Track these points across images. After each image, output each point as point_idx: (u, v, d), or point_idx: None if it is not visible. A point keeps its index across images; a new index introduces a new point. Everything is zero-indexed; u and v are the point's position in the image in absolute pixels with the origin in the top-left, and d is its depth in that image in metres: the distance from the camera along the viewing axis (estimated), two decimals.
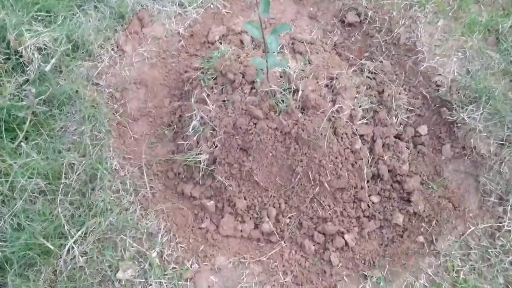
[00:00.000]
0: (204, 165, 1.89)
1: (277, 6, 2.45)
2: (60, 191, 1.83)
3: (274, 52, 1.56)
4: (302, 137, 1.74)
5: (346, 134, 1.83)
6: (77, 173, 1.92)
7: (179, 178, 2.03)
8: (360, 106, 1.92)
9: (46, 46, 2.13)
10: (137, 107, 2.23)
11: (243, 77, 1.94)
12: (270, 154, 1.80)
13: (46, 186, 1.83)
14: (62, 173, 1.88)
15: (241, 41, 2.25)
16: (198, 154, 1.89)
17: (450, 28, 2.19)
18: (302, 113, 1.78)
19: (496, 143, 1.88)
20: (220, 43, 2.30)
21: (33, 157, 1.84)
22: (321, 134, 1.74)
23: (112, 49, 2.30)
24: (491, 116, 1.92)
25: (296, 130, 1.74)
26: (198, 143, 1.92)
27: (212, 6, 2.43)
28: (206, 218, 1.91)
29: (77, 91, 2.11)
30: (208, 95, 1.98)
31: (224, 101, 1.94)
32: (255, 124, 1.80)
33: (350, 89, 1.91)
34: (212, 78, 2.07)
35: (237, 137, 1.82)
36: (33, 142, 1.94)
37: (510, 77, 2.02)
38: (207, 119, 1.88)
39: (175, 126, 2.16)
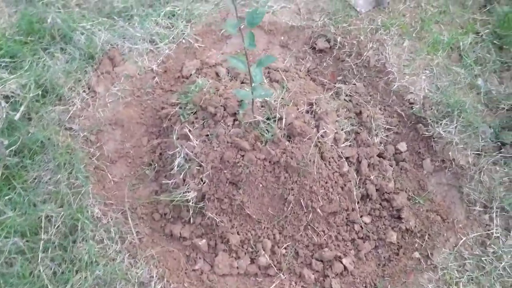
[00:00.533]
0: (192, 203, 1.83)
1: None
2: (40, 248, 1.71)
3: (258, 84, 1.57)
4: (292, 165, 1.73)
5: (332, 158, 1.84)
6: (56, 226, 1.80)
7: (166, 219, 1.95)
8: (342, 129, 1.95)
9: (14, 94, 2.03)
10: (114, 148, 2.15)
11: (224, 109, 1.93)
12: (261, 185, 1.78)
13: (25, 244, 1.70)
14: (41, 228, 1.76)
15: (217, 74, 2.25)
16: (186, 192, 1.83)
17: (416, 48, 2.31)
18: (288, 141, 1.79)
19: (473, 153, 1.96)
20: (197, 77, 2.29)
21: (8, 214, 1.72)
22: (310, 160, 1.75)
23: (84, 91, 2.23)
24: (465, 128, 2.01)
25: (285, 158, 1.74)
26: (184, 180, 1.87)
27: (184, 41, 2.42)
28: (199, 258, 1.84)
29: (49, 138, 2.01)
30: (189, 131, 1.94)
31: (207, 135, 1.91)
32: (243, 156, 1.78)
33: (331, 113, 1.94)
34: (191, 112, 2.04)
35: (225, 171, 1.78)
36: (6, 198, 1.81)
37: (476, 90, 2.14)
38: (192, 155, 1.84)
39: (156, 165, 2.10)
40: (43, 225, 1.76)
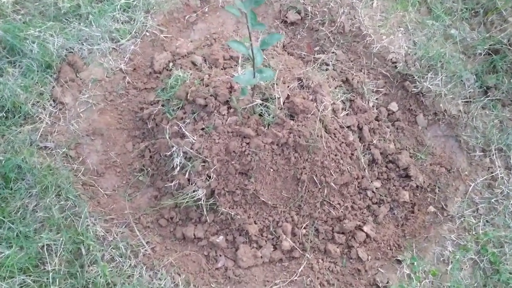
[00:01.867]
0: (203, 201, 1.73)
1: (215, 20, 2.36)
2: (49, 281, 1.54)
3: (258, 66, 1.47)
4: (301, 144, 1.68)
5: (336, 129, 1.81)
6: (58, 255, 1.64)
7: (174, 223, 1.84)
8: (337, 99, 1.92)
9: None
10: (98, 160, 1.98)
11: (215, 99, 1.82)
12: (272, 170, 1.71)
13: (32, 280, 1.52)
14: (44, 260, 1.58)
15: (193, 63, 2.12)
16: (194, 191, 1.73)
17: (386, 7, 2.31)
18: (292, 119, 1.72)
19: (462, 102, 2.02)
20: (170, 69, 2.14)
21: (5, 253, 1.52)
22: (318, 135, 1.70)
23: (50, 104, 2.01)
24: (450, 79, 2.06)
25: (293, 138, 1.68)
26: (189, 180, 1.76)
27: (147, 33, 2.25)
28: (220, 256, 1.76)
29: (26, 162, 1.80)
30: (181, 127, 1.82)
31: (203, 128, 1.80)
32: (248, 143, 1.69)
33: (324, 85, 1.90)
34: (178, 108, 1.91)
35: (233, 162, 1.69)
36: None
37: (451, 40, 2.19)
38: (194, 152, 1.73)
39: (148, 169, 1.96)
40: (46, 256, 1.58)
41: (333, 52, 2.24)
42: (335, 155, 1.76)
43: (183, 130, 1.78)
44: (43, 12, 2.33)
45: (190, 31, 2.35)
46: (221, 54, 2.11)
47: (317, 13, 2.31)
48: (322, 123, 1.77)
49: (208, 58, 2.12)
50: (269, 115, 1.75)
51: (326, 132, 1.78)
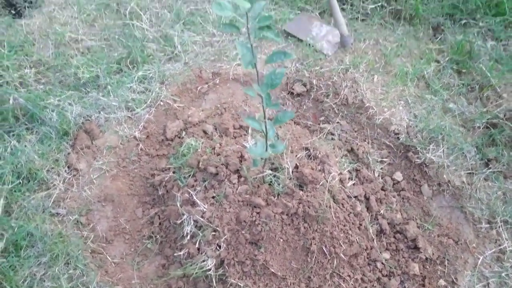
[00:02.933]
0: (212, 271, 1.72)
1: (225, 91, 2.50)
2: None
3: (270, 140, 1.55)
4: (310, 214, 1.71)
5: (343, 199, 1.85)
6: None
7: None
8: (344, 169, 1.98)
9: None
10: (108, 226, 1.99)
11: (226, 167, 1.88)
12: (281, 240, 1.73)
13: None
14: None
15: (204, 132, 2.21)
16: (203, 261, 1.73)
17: (386, 82, 2.45)
18: (301, 189, 1.77)
19: (465, 173, 2.08)
20: (182, 137, 2.23)
21: None
22: (326, 206, 1.74)
23: (65, 171, 2.07)
24: (451, 151, 2.14)
25: (302, 209, 1.71)
26: (198, 249, 1.76)
27: (161, 103, 2.37)
28: None
29: (38, 229, 1.81)
30: (193, 195, 1.86)
31: (213, 197, 1.84)
32: (259, 213, 1.73)
33: (331, 155, 1.97)
34: (189, 175, 1.96)
35: (243, 232, 1.71)
36: None
37: (450, 113, 2.30)
38: (204, 221, 1.75)
39: (157, 236, 1.97)
40: None
41: (337, 122, 2.34)
42: (344, 226, 1.78)
43: (194, 198, 1.82)
44: (63, 82, 2.48)
45: (202, 101, 2.48)
46: (231, 123, 2.20)
47: (322, 86, 2.45)
48: (331, 193, 1.82)
49: (219, 127, 2.22)
50: (278, 185, 1.80)
51: (334, 202, 1.82)
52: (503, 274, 1.80)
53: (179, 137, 2.26)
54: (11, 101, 2.22)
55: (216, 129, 2.23)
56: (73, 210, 1.96)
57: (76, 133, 2.20)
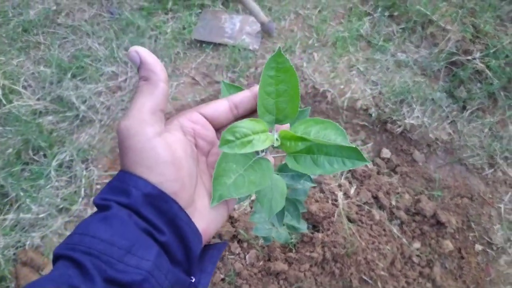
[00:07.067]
0: None
1: None
2: None
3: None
4: (339, 253, 1.49)
5: (358, 213, 1.65)
6: None
7: None
8: (339, 177, 1.76)
9: None
10: None
11: (221, 240, 1.57)
12: None
13: None
14: None
15: None
16: None
17: (327, 55, 2.22)
18: (317, 231, 1.53)
19: (447, 124, 1.97)
20: None
21: None
22: (350, 235, 1.53)
23: None
24: (425, 106, 2.01)
25: (329, 252, 1.48)
26: None
27: (98, 186, 1.92)
28: None
29: None
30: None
31: (223, 279, 1.53)
32: (286, 279, 1.46)
33: None
34: None
35: None
36: None
37: (404, 65, 2.15)
38: None
39: None
40: None
41: None
42: (373, 243, 1.60)
43: None
44: None
45: None
46: None
47: None
48: (348, 219, 1.60)
49: None
50: (291, 235, 1.53)
51: (350, 221, 1.61)
52: None
53: None
54: None
55: None
56: None
57: (14, 271, 1.71)
